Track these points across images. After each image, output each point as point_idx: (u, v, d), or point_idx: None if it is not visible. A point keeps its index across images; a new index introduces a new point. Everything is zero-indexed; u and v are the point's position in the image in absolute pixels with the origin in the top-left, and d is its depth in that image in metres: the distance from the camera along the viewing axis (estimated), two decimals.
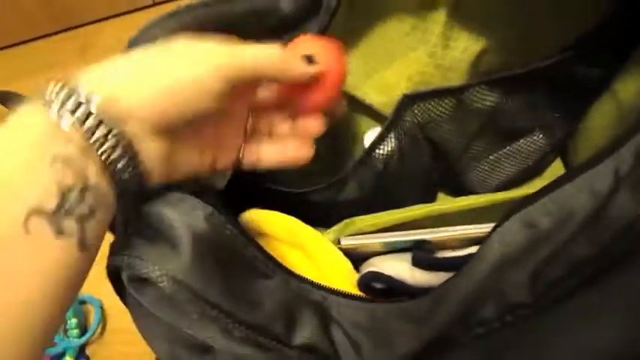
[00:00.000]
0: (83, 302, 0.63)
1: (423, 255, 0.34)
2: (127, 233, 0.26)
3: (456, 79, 0.40)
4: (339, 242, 0.38)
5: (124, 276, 0.25)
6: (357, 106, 0.44)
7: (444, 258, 0.34)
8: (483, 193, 0.45)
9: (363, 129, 0.47)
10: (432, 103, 0.40)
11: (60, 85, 0.22)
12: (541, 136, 0.43)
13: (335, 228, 0.40)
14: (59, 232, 0.20)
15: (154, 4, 0.86)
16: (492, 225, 0.31)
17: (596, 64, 0.37)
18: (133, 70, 0.24)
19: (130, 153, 0.23)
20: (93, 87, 0.22)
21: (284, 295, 0.25)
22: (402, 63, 0.40)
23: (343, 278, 0.36)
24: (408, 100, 0.40)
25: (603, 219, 0.22)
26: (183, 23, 0.31)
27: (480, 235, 0.34)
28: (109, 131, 0.22)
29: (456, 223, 0.35)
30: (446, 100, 0.40)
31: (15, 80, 0.87)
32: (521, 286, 0.23)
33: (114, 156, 0.22)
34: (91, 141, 0.22)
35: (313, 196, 0.44)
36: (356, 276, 0.37)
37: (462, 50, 0.39)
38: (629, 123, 0.36)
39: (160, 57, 0.25)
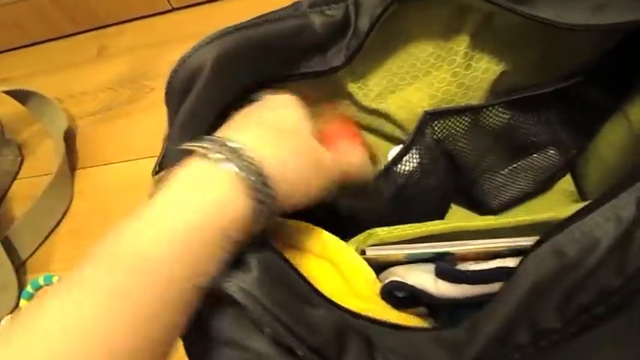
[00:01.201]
0: None
1: (447, 267, 0.36)
2: None
3: (475, 98, 0.42)
4: (363, 252, 0.40)
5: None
6: (378, 125, 0.46)
7: (469, 271, 0.35)
8: (497, 204, 0.47)
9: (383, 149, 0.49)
10: (452, 119, 0.42)
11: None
12: (554, 151, 0.45)
13: (357, 238, 0.41)
14: None
15: (172, 9, 0.86)
16: (512, 240, 0.33)
17: (608, 87, 0.39)
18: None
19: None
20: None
21: (333, 323, 0.27)
22: (426, 81, 0.42)
23: (368, 288, 0.38)
24: (430, 117, 0.41)
25: (629, 248, 0.24)
26: (226, 47, 0.33)
27: (501, 249, 0.35)
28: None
29: (474, 238, 0.36)
30: (464, 117, 0.42)
31: (33, 79, 0.88)
32: (551, 312, 0.25)
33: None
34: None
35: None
36: (379, 285, 0.38)
37: (483, 70, 0.40)
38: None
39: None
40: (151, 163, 0.34)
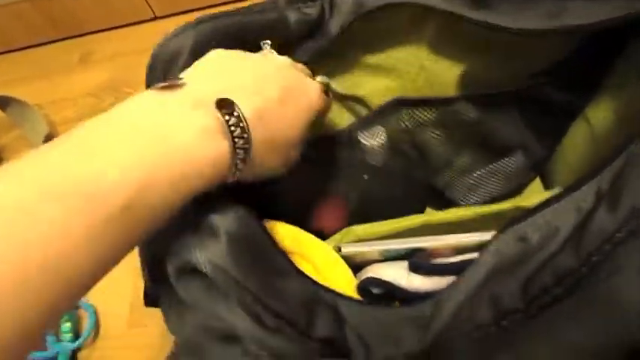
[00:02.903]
0: (77, 307, 0.64)
1: (419, 261, 0.37)
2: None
3: (444, 92, 0.44)
4: (339, 250, 0.41)
5: (171, 268, 0.27)
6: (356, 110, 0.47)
7: (439, 264, 0.37)
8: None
9: None
10: (420, 109, 0.44)
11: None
12: (522, 156, 0.47)
13: (336, 236, 0.42)
14: None
15: (155, 18, 0.87)
16: (482, 234, 0.34)
17: (569, 90, 0.42)
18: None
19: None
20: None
21: (303, 293, 0.28)
22: (393, 75, 0.44)
23: (344, 284, 0.39)
24: (398, 103, 0.44)
25: (585, 234, 0.26)
26: (202, 34, 0.34)
27: (473, 243, 0.37)
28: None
29: (447, 233, 0.38)
30: (432, 109, 0.44)
31: (15, 85, 0.87)
32: (514, 294, 0.26)
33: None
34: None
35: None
36: (355, 282, 0.39)
37: (448, 66, 0.42)
38: (601, 146, 0.40)
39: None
40: None
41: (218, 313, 0.26)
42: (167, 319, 0.29)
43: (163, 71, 0.35)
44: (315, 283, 0.30)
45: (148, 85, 0.36)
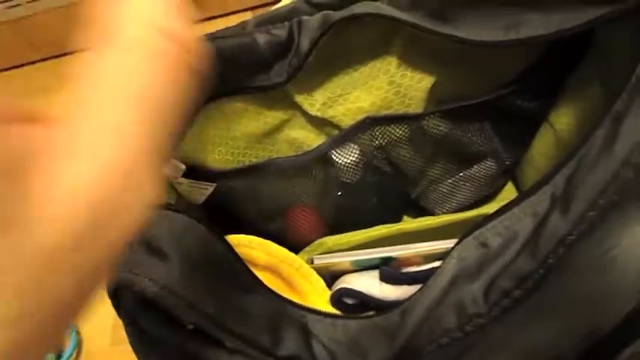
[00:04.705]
0: None
1: (389, 270, 0.38)
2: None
3: (414, 106, 0.44)
4: (312, 262, 0.41)
5: (129, 300, 0.27)
6: (327, 132, 0.48)
7: (409, 272, 0.37)
8: (442, 213, 0.49)
9: None
10: (392, 127, 0.45)
11: None
12: (492, 162, 0.48)
13: (308, 248, 0.43)
14: None
15: None
16: (450, 242, 0.35)
17: (534, 98, 0.42)
18: None
19: None
20: None
21: (268, 311, 0.28)
22: (365, 90, 0.44)
23: (317, 295, 0.39)
24: (370, 122, 0.44)
25: (541, 238, 0.26)
26: None
27: (440, 251, 0.37)
28: None
29: (418, 242, 0.38)
30: (404, 125, 0.45)
31: None
32: (476, 298, 0.26)
33: None
34: None
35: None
36: (329, 293, 0.40)
37: (417, 80, 0.43)
38: (565, 150, 0.41)
39: None
40: None
41: (177, 341, 0.26)
42: (137, 353, 0.29)
43: None
44: (282, 298, 0.30)
45: None
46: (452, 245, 0.36)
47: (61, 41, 0.87)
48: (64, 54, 0.90)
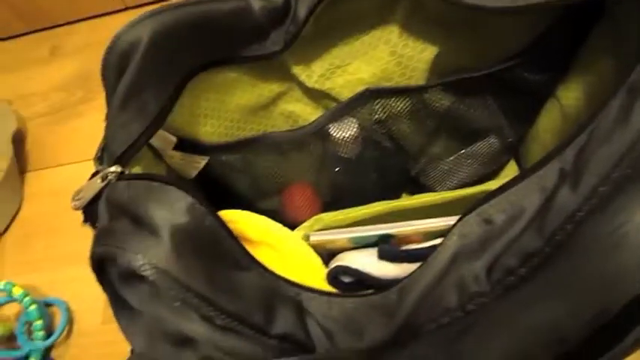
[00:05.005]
0: (49, 304, 0.62)
1: (387, 248, 0.36)
2: (110, 223, 0.27)
3: (415, 77, 0.43)
4: (308, 239, 0.40)
5: (114, 273, 0.26)
6: (325, 105, 0.46)
7: (408, 250, 0.36)
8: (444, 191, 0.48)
9: None
10: (393, 99, 0.43)
11: None
12: (495, 139, 0.46)
13: (305, 225, 0.41)
14: None
15: (126, 9, 0.85)
16: (451, 219, 0.34)
17: (541, 71, 0.41)
18: None
19: None
20: None
21: (261, 288, 0.27)
22: (365, 60, 0.42)
23: (313, 273, 0.38)
24: (370, 94, 0.43)
25: (548, 213, 0.25)
26: (163, 23, 0.33)
27: (440, 229, 0.36)
28: None
29: (416, 219, 0.37)
30: (405, 99, 0.43)
31: None
32: (479, 277, 0.25)
33: None
34: None
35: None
36: (325, 271, 0.38)
37: (419, 50, 0.41)
38: (572, 126, 0.40)
39: None
40: None
41: (165, 318, 0.25)
42: (119, 325, 0.28)
43: (119, 66, 0.33)
44: (276, 276, 0.29)
45: (105, 82, 0.35)
46: (453, 222, 0.35)
47: (52, 13, 0.85)
48: (54, 26, 0.88)
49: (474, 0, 0.32)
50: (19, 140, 0.77)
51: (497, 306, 0.25)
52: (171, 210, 0.26)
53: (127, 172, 0.31)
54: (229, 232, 0.28)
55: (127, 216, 0.27)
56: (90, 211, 0.32)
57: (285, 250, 0.38)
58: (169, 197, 0.27)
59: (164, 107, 0.33)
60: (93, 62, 0.81)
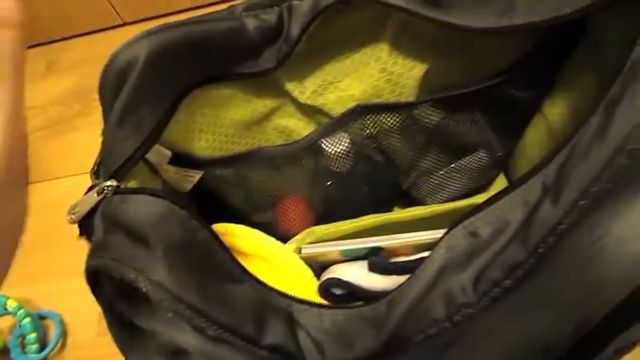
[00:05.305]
0: (43, 317, 0.62)
1: (377, 260, 0.37)
2: (105, 237, 0.27)
3: (405, 94, 0.44)
4: (299, 251, 0.41)
5: (108, 286, 0.27)
6: (317, 121, 0.47)
7: (397, 262, 0.37)
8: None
9: None
10: (383, 115, 0.44)
11: None
12: (484, 153, 0.47)
13: (297, 237, 0.42)
14: None
15: (124, 24, 0.86)
16: (439, 232, 0.34)
17: (528, 87, 0.42)
18: None
19: None
20: None
21: (253, 300, 0.27)
22: (356, 77, 0.44)
23: (305, 286, 0.39)
24: (361, 110, 0.44)
25: (531, 226, 0.26)
26: (159, 42, 0.34)
27: (429, 241, 0.37)
28: None
29: (406, 232, 0.38)
30: (396, 114, 0.44)
31: None
32: (466, 288, 0.26)
33: None
34: None
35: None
36: (317, 283, 0.39)
37: (409, 67, 0.42)
38: (558, 141, 0.41)
39: None
40: None
41: (159, 330, 0.25)
42: (113, 337, 0.28)
43: (116, 83, 0.34)
44: (268, 287, 0.29)
45: (102, 99, 0.35)
46: (441, 235, 0.35)
47: (48, 28, 0.86)
48: (51, 41, 0.89)
49: (459, 20, 0.33)
50: None
51: (484, 317, 0.26)
52: (163, 223, 0.27)
53: (122, 187, 0.32)
54: (222, 245, 0.28)
55: (121, 229, 0.27)
56: (86, 225, 0.32)
57: (277, 262, 0.38)
58: (160, 210, 0.27)
59: (160, 123, 0.34)
60: (89, 77, 0.82)
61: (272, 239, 0.39)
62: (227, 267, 0.28)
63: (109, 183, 0.31)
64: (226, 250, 0.28)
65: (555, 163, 0.27)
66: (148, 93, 0.33)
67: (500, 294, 0.26)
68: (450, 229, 0.28)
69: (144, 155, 0.34)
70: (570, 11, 0.30)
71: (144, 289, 0.24)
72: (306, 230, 0.41)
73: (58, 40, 0.88)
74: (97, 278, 0.27)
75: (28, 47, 0.93)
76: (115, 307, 0.27)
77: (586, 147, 0.26)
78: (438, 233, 0.35)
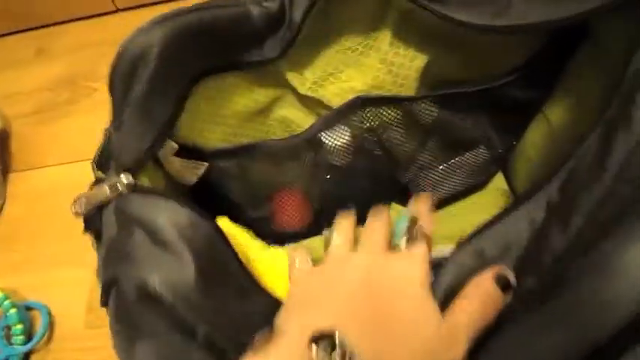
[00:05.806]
0: (29, 308, 0.61)
1: None
2: (122, 237, 0.26)
3: (407, 86, 0.43)
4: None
5: (134, 293, 0.26)
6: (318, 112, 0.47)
7: None
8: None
9: None
10: (383, 108, 0.44)
11: None
12: (484, 150, 0.48)
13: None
14: None
15: (117, 11, 0.84)
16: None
17: (530, 89, 0.42)
18: None
19: None
20: None
21: (263, 315, 0.27)
22: (356, 68, 0.43)
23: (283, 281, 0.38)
24: (361, 102, 0.43)
25: (538, 253, 0.26)
26: (172, 29, 0.33)
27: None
28: None
29: None
30: (395, 108, 0.44)
31: None
32: None
33: None
34: None
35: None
36: None
37: (410, 58, 0.42)
38: (558, 142, 0.41)
39: None
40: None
41: (175, 344, 0.25)
42: (113, 340, 0.28)
43: (129, 73, 0.33)
44: (280, 302, 0.29)
45: (111, 87, 0.34)
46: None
47: (40, 12, 0.84)
48: (43, 26, 0.87)
49: (455, 14, 0.32)
50: (3, 140, 0.76)
51: (493, 341, 0.26)
52: (188, 233, 0.26)
53: (139, 184, 0.31)
54: (240, 260, 0.28)
55: (141, 228, 0.27)
56: (93, 220, 0.31)
57: (251, 256, 0.38)
58: (184, 218, 0.27)
59: (172, 115, 0.34)
60: (81, 64, 0.81)
61: (244, 233, 0.39)
62: (245, 284, 0.28)
63: (123, 179, 0.31)
64: (244, 266, 0.28)
65: (558, 179, 0.27)
66: (161, 84, 0.33)
67: (507, 316, 0.26)
68: (457, 249, 0.28)
69: (159, 149, 0.33)
70: (566, 15, 0.30)
71: (164, 296, 0.24)
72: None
73: (49, 25, 0.85)
74: (112, 284, 0.27)
75: (18, 32, 0.92)
76: (132, 312, 0.26)
77: (587, 170, 0.26)
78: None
